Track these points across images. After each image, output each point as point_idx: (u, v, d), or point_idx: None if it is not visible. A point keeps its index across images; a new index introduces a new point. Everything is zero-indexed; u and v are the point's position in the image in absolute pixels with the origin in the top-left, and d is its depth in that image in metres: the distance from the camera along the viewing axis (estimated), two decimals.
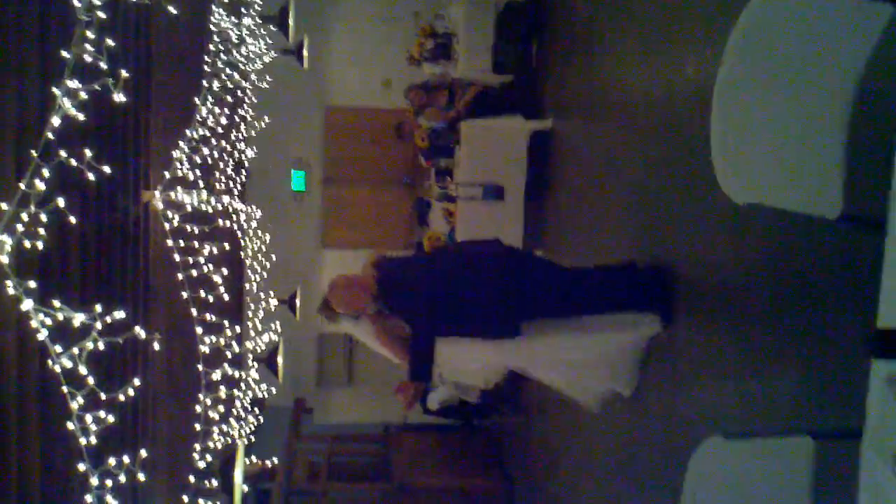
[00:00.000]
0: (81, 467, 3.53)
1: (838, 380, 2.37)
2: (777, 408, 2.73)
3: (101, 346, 3.45)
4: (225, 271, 5.64)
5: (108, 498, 3.60)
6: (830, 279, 2.49)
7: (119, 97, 3.57)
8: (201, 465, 5.34)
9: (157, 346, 4.42)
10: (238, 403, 6.61)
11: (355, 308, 3.60)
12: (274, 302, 8.09)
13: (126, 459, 3.69)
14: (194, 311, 5.21)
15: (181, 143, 5.32)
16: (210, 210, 5.96)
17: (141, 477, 3.90)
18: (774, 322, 2.79)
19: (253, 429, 7.10)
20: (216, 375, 5.30)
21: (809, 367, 2.55)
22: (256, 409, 7.32)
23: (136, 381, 3.99)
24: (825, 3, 1.82)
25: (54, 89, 3.31)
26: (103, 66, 3.45)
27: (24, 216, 3.24)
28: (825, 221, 1.83)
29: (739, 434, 1.93)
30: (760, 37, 1.88)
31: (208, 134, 5.83)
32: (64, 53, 3.33)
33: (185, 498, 5.16)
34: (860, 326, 2.19)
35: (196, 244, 5.34)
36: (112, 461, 3.61)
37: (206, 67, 5.83)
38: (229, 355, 5.56)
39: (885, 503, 1.41)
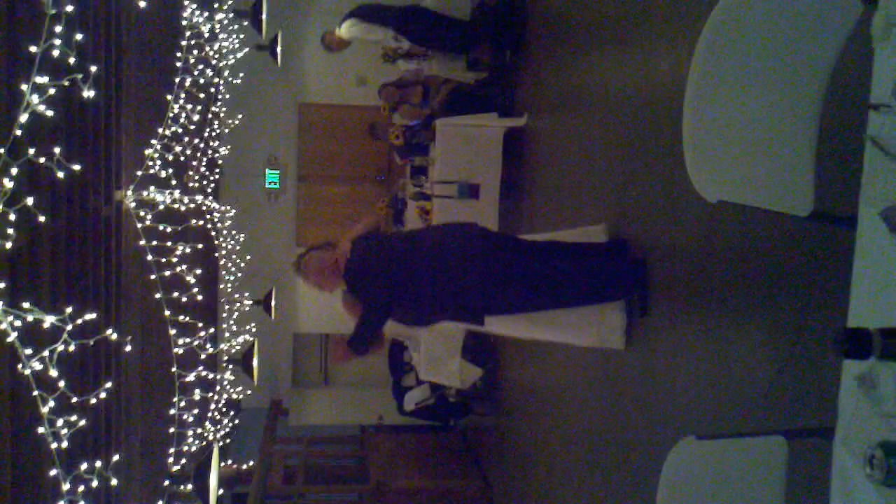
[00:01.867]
0: (53, 472, 3.47)
1: (810, 378, 2.39)
2: (750, 406, 2.75)
3: (72, 348, 3.40)
4: (199, 271, 5.59)
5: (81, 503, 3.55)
6: (802, 277, 2.51)
7: (89, 93, 3.51)
8: (175, 468, 5.28)
9: (129, 349, 4.37)
10: (213, 406, 6.55)
11: (326, 289, 3.85)
12: (249, 302, 8.03)
13: (98, 464, 3.63)
14: (167, 313, 5.15)
15: (153, 141, 5.25)
16: (183, 209, 5.90)
17: (114, 482, 3.85)
18: (747, 320, 2.81)
19: (228, 431, 7.05)
20: (190, 377, 5.25)
21: (782, 365, 2.57)
22: (231, 412, 7.26)
23: (108, 384, 3.94)
24: (796, 1, 1.83)
25: (22, 85, 3.25)
26: (72, 61, 3.39)
27: None
28: (797, 219, 1.84)
29: (713, 434, 1.94)
30: (732, 34, 1.89)
31: (181, 131, 5.77)
32: (32, 48, 3.27)
33: (160, 502, 5.10)
34: (831, 325, 2.21)
35: (169, 244, 5.28)
36: (84, 466, 3.56)
37: (177, 63, 5.76)
38: (203, 357, 5.51)
39: (857, 501, 1.42)
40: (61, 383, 3.38)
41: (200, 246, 6.08)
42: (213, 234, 7.00)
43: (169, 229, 5.28)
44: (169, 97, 5.58)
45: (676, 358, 3.35)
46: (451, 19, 6.81)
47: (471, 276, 3.55)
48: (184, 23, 5.97)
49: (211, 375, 6.03)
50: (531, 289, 3.61)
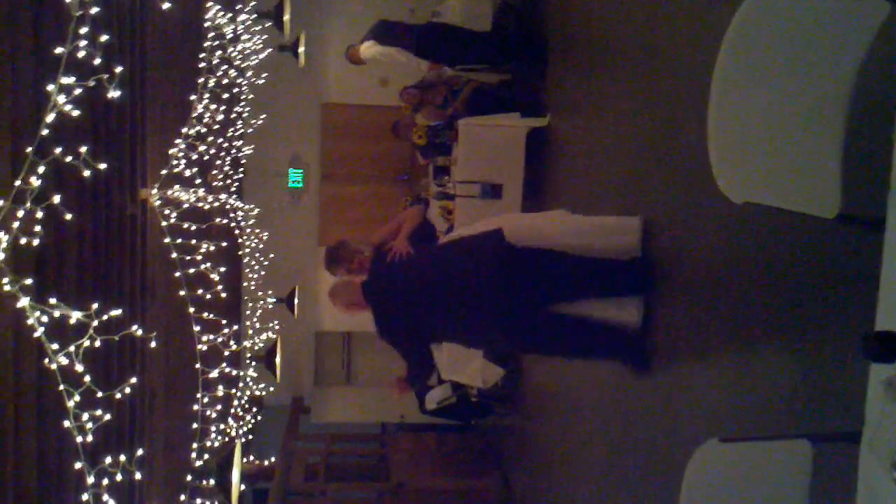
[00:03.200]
0: (78, 466, 3.51)
1: (837, 382, 2.36)
2: (775, 410, 2.72)
3: (97, 344, 3.44)
4: (223, 269, 5.63)
5: (105, 497, 3.59)
6: (829, 280, 2.47)
7: (114, 94, 3.55)
8: (198, 464, 5.32)
9: (154, 345, 4.41)
10: (236, 402, 6.59)
11: (355, 313, 3.81)
12: (272, 300, 8.07)
13: (123, 458, 3.67)
14: (192, 310, 5.20)
15: (177, 141, 5.30)
16: (207, 208, 5.95)
17: (138, 476, 3.89)
18: (772, 324, 2.77)
19: (250, 428, 7.09)
20: (214, 374, 5.29)
21: (807, 368, 2.54)
22: (254, 408, 7.31)
23: (133, 380, 3.98)
24: (822, 1, 1.81)
25: (49, 86, 3.29)
26: (97, 62, 3.43)
27: (20, 213, 3.22)
28: (823, 221, 1.82)
29: (737, 437, 1.92)
30: (757, 34, 1.87)
31: (205, 131, 5.81)
32: (58, 49, 3.31)
33: (182, 497, 5.15)
34: (858, 328, 2.18)
35: (193, 242, 5.33)
36: (108, 460, 3.60)
37: (201, 64, 5.81)
38: (227, 354, 5.55)
39: None
40: (87, 378, 3.41)
41: (224, 244, 6.12)
42: (236, 232, 7.05)
43: (193, 227, 5.32)
44: (193, 97, 5.63)
45: (699, 360, 3.32)
46: (474, 34, 6.72)
47: (487, 314, 3.54)
48: (207, 24, 6.01)
49: (234, 372, 6.07)
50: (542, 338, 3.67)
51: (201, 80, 5.76)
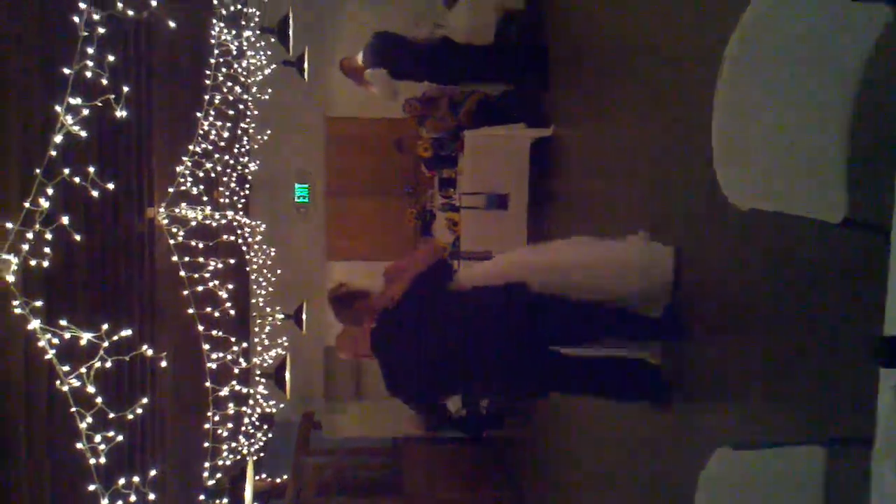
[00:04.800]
0: (91, 488, 3.52)
1: (848, 388, 2.35)
2: (786, 416, 2.70)
3: (108, 364, 3.45)
4: (231, 286, 5.65)
5: None
6: (836, 285, 2.46)
7: (121, 113, 3.58)
8: (211, 483, 5.32)
9: (164, 364, 4.42)
10: (246, 420, 6.59)
11: (360, 359, 3.85)
12: (280, 316, 8.08)
13: (136, 479, 3.68)
14: (201, 328, 5.21)
15: (184, 158, 5.33)
16: (214, 225, 5.97)
17: (151, 496, 3.89)
18: (780, 331, 2.76)
19: (262, 445, 7.09)
20: (224, 392, 5.29)
21: (818, 375, 2.53)
22: (265, 425, 7.30)
23: (144, 400, 3.99)
24: (824, 6, 1.81)
25: (56, 107, 3.31)
26: (104, 82, 3.46)
27: (30, 235, 3.24)
28: (829, 226, 1.81)
29: (749, 445, 1.91)
30: (760, 41, 1.87)
31: (211, 148, 5.85)
32: (65, 70, 3.34)
33: None
34: (868, 333, 2.17)
35: (201, 260, 5.34)
36: (122, 481, 3.61)
37: (206, 81, 5.84)
38: (237, 371, 5.56)
39: None
40: (98, 399, 3.43)
41: (232, 261, 6.15)
42: (244, 249, 7.07)
43: (201, 245, 5.34)
44: (199, 115, 5.66)
45: (710, 368, 3.31)
46: (476, 50, 6.67)
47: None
48: (212, 41, 6.06)
49: (244, 390, 6.08)
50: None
51: (207, 96, 5.80)
